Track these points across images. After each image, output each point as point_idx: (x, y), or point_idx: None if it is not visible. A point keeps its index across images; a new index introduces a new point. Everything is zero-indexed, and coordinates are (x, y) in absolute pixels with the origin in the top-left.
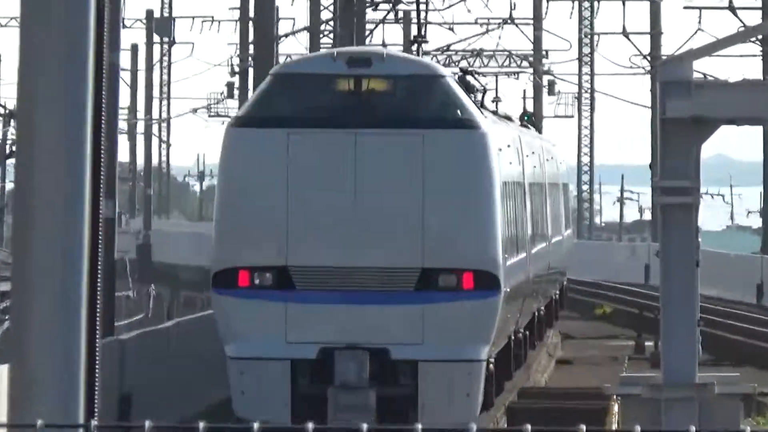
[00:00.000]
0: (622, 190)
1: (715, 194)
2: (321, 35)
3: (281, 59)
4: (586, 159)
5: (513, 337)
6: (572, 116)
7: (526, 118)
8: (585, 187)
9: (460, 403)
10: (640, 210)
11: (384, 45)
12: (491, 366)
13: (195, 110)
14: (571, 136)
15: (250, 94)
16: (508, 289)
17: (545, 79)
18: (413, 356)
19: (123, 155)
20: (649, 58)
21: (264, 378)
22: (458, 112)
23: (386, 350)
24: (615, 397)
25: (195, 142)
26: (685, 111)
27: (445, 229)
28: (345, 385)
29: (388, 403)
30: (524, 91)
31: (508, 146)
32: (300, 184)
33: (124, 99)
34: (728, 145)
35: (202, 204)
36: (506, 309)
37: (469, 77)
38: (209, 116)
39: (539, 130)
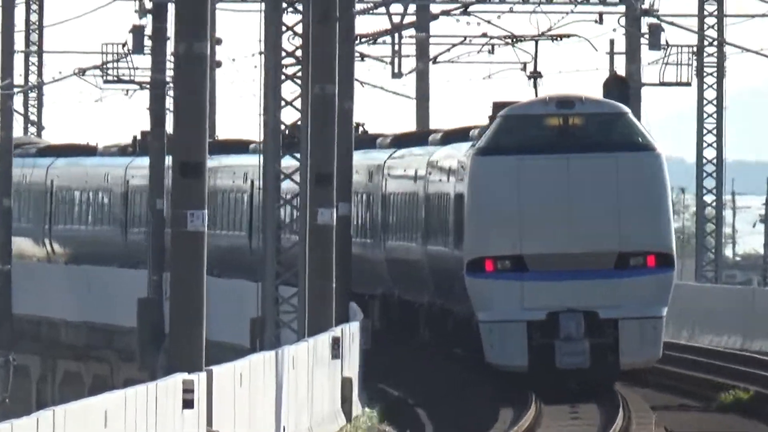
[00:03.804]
0: None
1: None
2: None
3: None
4: (710, 153)
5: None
6: (689, 84)
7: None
8: (709, 199)
9: (649, 347)
10: None
11: None
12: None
13: (82, 72)
14: (686, 116)
15: (171, 45)
16: (677, 268)
17: (645, 23)
18: (615, 315)
19: None
20: None
21: (508, 335)
22: (639, 139)
23: (595, 312)
24: None
25: (82, 123)
26: None
27: (635, 224)
28: (567, 338)
29: (597, 350)
30: (611, 42)
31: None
32: (528, 195)
33: None
34: None
35: None
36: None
37: None
38: (105, 81)
39: (626, 101)
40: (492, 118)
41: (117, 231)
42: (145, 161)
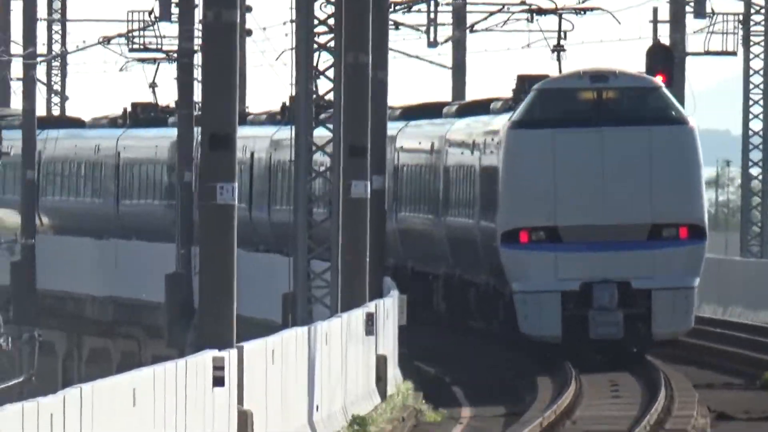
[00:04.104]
0: None
1: None
2: None
3: None
4: (757, 124)
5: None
6: (735, 53)
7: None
8: (755, 171)
9: (681, 317)
10: None
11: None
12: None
13: (107, 40)
14: (732, 86)
15: (199, 13)
16: (708, 240)
17: None
18: (648, 286)
19: None
20: None
21: (542, 305)
22: (672, 112)
23: (628, 282)
24: None
25: (107, 93)
26: None
27: (667, 196)
28: (600, 308)
29: (630, 320)
30: (655, 10)
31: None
32: (563, 168)
33: None
34: None
35: None
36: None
37: None
38: (130, 50)
39: (670, 76)
40: (516, 91)
41: (108, 203)
42: (137, 133)
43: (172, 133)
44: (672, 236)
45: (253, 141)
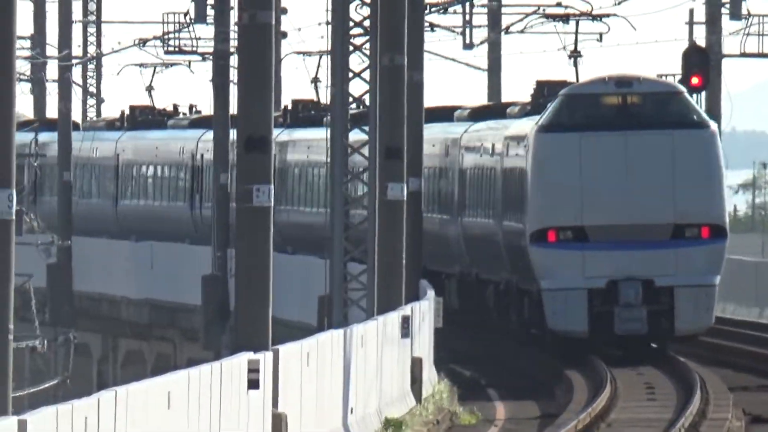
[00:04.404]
0: None
1: None
2: None
3: None
4: None
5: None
6: None
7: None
8: None
9: (702, 314)
10: None
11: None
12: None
13: (143, 42)
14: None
15: (234, 15)
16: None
17: None
18: (671, 283)
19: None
20: None
21: (569, 302)
22: (694, 117)
23: (652, 280)
24: None
25: (141, 95)
26: None
27: (689, 197)
28: (626, 305)
29: (654, 316)
30: (691, 12)
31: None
32: (589, 170)
33: (25, 25)
34: None
35: None
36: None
37: None
38: (166, 52)
39: (706, 78)
40: (534, 96)
41: (107, 204)
42: (136, 135)
43: (175, 135)
44: (694, 236)
45: None
